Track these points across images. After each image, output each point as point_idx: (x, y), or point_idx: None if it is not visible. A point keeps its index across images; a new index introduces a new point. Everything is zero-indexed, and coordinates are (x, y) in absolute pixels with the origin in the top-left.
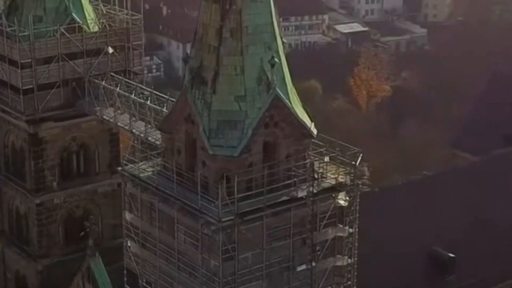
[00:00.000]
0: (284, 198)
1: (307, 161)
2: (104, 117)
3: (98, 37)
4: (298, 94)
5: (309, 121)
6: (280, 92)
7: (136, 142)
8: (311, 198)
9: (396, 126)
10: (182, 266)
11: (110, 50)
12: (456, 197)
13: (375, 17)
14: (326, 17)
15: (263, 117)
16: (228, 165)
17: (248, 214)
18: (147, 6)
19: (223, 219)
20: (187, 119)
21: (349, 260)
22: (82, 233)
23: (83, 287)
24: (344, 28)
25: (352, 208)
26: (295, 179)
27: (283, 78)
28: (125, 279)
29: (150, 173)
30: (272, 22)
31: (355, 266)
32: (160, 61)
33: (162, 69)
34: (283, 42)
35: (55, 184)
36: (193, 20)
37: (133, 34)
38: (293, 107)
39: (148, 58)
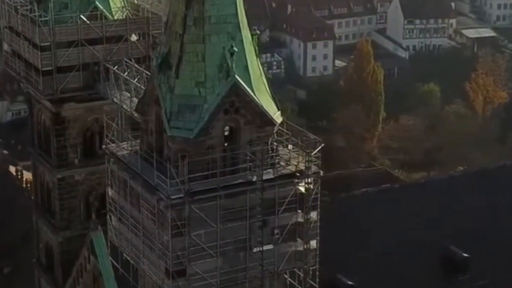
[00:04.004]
0: (240, 181)
1: (259, 147)
2: (114, 100)
3: (117, 25)
4: (416, 96)
5: (275, 110)
6: (240, 80)
7: (119, 123)
8: (260, 183)
9: (508, 132)
10: (146, 241)
11: (134, 37)
12: (478, 198)
13: (506, 23)
14: (453, 21)
15: (221, 103)
16: (186, 146)
17: (200, 193)
18: (273, 4)
19: (172, 197)
20: (156, 102)
21: (305, 245)
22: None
23: (88, 259)
24: (471, 33)
25: (313, 195)
26: (251, 163)
27: (246, 67)
28: (108, 250)
29: (127, 152)
30: (236, 13)
31: (317, 252)
32: (280, 59)
33: (282, 66)
34: (253, 34)
35: (76, 161)
36: (316, 19)
37: (153, 24)
38: (255, 95)
39: (269, 55)
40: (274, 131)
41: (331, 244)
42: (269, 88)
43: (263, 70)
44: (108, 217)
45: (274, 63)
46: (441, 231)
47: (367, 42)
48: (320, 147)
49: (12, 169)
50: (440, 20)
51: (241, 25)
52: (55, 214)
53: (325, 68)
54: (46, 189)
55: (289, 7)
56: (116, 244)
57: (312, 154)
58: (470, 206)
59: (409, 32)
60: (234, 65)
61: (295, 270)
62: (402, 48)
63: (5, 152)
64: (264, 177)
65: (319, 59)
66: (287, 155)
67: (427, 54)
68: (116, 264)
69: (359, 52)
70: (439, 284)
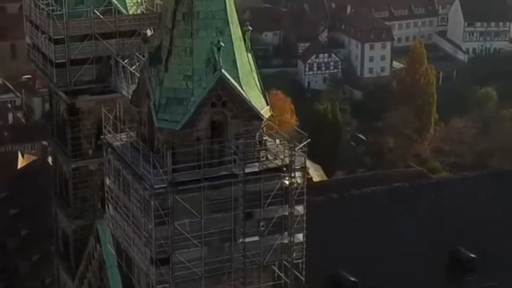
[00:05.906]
0: (224, 173)
1: (241, 141)
2: (123, 92)
3: (131, 20)
4: (472, 99)
5: (264, 105)
6: (227, 74)
7: (118, 114)
8: (242, 176)
9: None
10: (135, 229)
11: (148, 33)
12: (486, 199)
13: None
14: None
15: (208, 96)
16: (172, 138)
17: (184, 184)
18: (333, 5)
19: (156, 186)
20: (148, 94)
21: (290, 238)
22: None
23: (95, 247)
24: None
25: (299, 190)
26: (235, 156)
27: (234, 62)
28: (108, 238)
29: (123, 142)
30: (225, 9)
31: (304, 245)
32: (338, 59)
33: (340, 67)
34: (245, 30)
35: (90, 151)
36: (374, 21)
37: None
38: (243, 90)
39: (326, 55)
40: (262, 126)
41: (336, 241)
42: (260, 83)
43: (255, 65)
44: (106, 205)
45: (332, 63)
46: (449, 231)
47: (421, 43)
48: (305, 142)
49: (49, 159)
50: (501, 23)
51: (230, 20)
52: (70, 202)
53: (382, 69)
54: (64, 178)
55: (349, 8)
56: (112, 231)
57: (297, 148)
58: (478, 207)
59: (469, 35)
60: (221, 60)
61: (284, 262)
62: (462, 50)
63: (44, 143)
64: (249, 170)
65: (376, 60)
66: (275, 149)
67: (487, 57)
68: (113, 251)
69: (412, 53)
70: (446, 284)
